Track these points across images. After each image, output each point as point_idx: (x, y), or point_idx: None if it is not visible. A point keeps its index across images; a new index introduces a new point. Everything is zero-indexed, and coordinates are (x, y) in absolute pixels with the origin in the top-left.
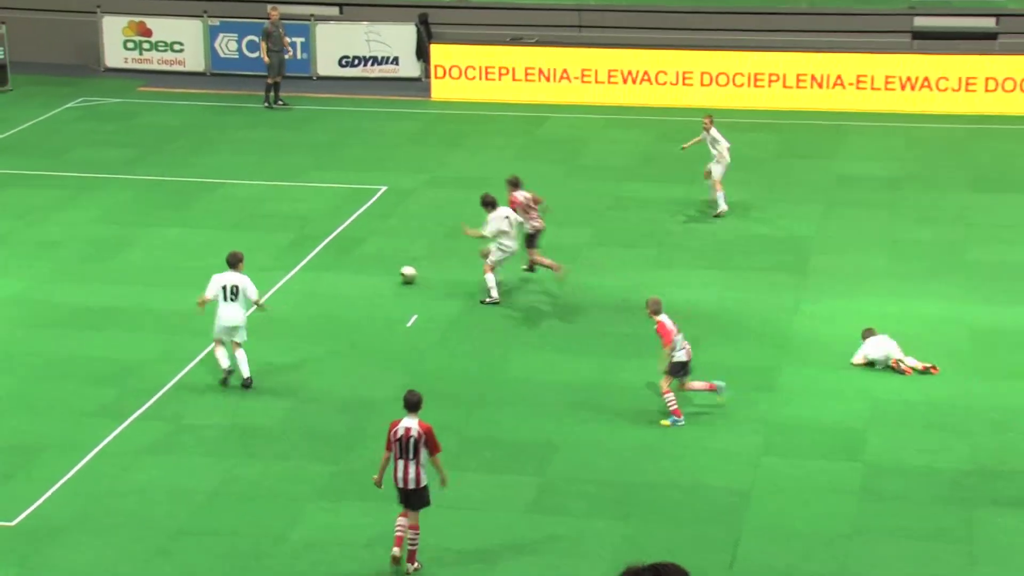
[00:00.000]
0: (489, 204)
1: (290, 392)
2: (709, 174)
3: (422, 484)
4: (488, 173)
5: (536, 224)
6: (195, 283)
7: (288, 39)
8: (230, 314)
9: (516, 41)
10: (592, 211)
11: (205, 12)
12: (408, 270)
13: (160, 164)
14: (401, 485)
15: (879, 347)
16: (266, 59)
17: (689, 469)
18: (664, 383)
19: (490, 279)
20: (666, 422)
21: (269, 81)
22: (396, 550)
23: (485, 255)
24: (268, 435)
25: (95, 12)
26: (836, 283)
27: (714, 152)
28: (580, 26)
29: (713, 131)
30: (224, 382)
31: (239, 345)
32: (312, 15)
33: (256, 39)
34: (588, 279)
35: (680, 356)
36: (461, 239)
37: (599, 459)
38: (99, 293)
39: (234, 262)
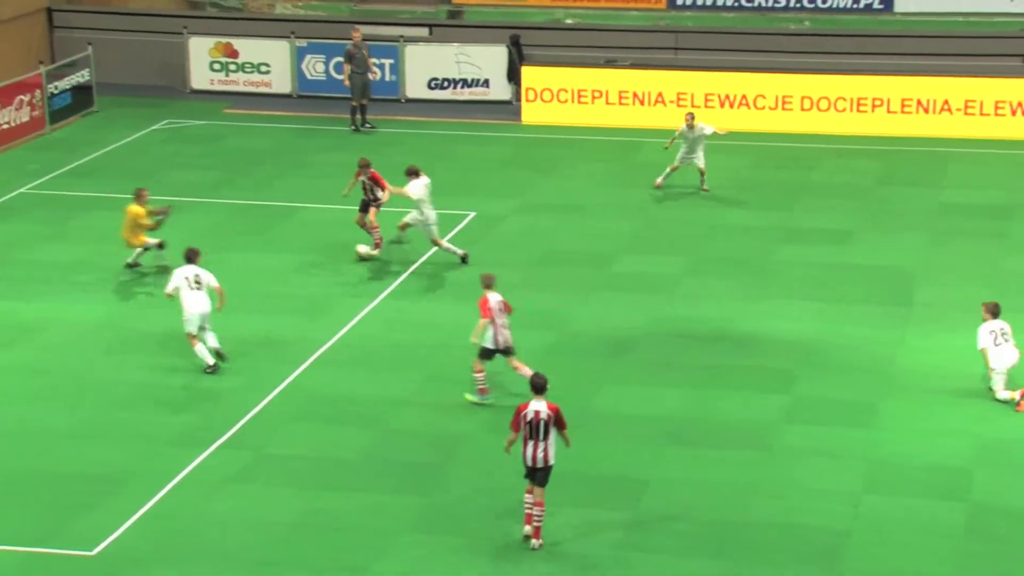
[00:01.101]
0: (412, 173)
1: (375, 422)
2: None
3: (550, 463)
4: (580, 199)
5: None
6: (280, 310)
7: (373, 60)
8: (200, 300)
9: (610, 63)
10: (687, 239)
11: (292, 33)
12: (362, 248)
13: (245, 188)
14: (531, 464)
15: (1015, 356)
16: (347, 82)
17: (786, 507)
18: (476, 363)
19: (401, 234)
20: (472, 397)
21: (353, 103)
22: (528, 528)
23: (403, 227)
24: (352, 466)
25: (181, 33)
26: (941, 315)
27: (689, 152)
28: (676, 48)
29: (698, 128)
30: (209, 370)
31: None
32: (401, 36)
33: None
34: (682, 309)
35: (488, 343)
36: (551, 267)
37: (692, 496)
38: (182, 319)
39: (192, 256)
